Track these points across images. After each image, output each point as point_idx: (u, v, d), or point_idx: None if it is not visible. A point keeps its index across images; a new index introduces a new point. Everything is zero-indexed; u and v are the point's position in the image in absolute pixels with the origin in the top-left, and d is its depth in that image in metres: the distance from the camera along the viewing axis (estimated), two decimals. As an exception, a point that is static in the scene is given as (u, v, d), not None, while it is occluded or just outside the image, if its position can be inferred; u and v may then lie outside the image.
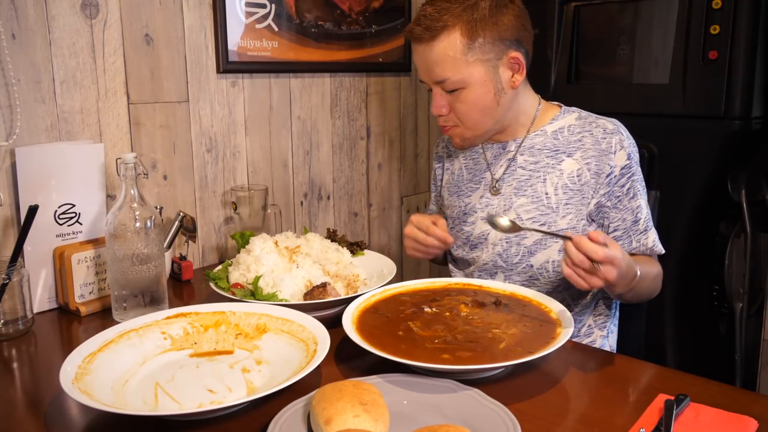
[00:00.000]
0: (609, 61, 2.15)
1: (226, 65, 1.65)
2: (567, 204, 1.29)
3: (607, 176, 1.27)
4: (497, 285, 1.22)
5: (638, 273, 1.12)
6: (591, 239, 1.01)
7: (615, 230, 1.28)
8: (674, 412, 0.83)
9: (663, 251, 1.30)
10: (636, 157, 1.30)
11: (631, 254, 1.26)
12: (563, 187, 1.29)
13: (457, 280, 1.27)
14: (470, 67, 1.25)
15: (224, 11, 1.62)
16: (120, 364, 0.98)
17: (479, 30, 1.23)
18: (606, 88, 2.13)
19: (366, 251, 1.50)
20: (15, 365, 1.11)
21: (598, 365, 1.06)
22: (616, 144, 1.27)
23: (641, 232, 1.27)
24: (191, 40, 1.59)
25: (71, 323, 1.27)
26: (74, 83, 1.39)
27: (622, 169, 1.27)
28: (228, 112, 1.69)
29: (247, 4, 1.67)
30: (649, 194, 1.55)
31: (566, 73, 2.19)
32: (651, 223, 1.30)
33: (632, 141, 1.31)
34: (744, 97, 1.84)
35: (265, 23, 1.72)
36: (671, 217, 1.94)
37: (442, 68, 1.25)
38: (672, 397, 0.86)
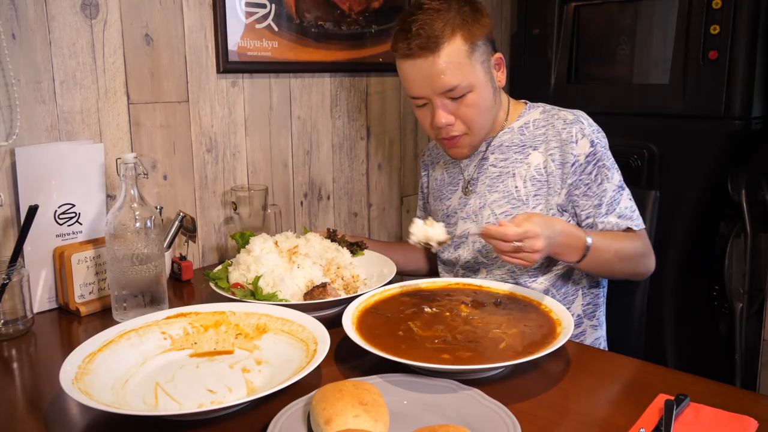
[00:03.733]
0: (609, 61, 2.15)
1: (226, 65, 1.65)
2: (536, 195, 1.33)
3: (572, 165, 1.30)
4: (497, 285, 1.22)
5: (588, 242, 1.18)
6: (500, 225, 1.08)
7: (587, 217, 1.31)
8: (674, 412, 0.83)
9: (635, 227, 1.29)
10: (602, 142, 1.32)
11: None
12: (531, 179, 1.33)
13: (457, 280, 1.27)
14: (474, 69, 1.28)
15: (224, 11, 1.62)
16: (120, 364, 0.98)
17: (475, 32, 1.27)
18: (606, 88, 2.13)
19: (366, 251, 1.50)
20: (15, 365, 1.11)
21: (598, 365, 1.05)
22: (576, 133, 1.30)
23: (603, 215, 1.29)
24: (191, 40, 1.59)
25: (71, 323, 1.27)
26: (74, 83, 1.39)
27: (587, 156, 1.30)
28: (228, 112, 1.69)
29: (247, 4, 1.67)
30: (649, 194, 1.55)
31: (566, 73, 2.19)
32: (617, 204, 1.30)
33: (595, 128, 1.33)
34: (744, 97, 1.84)
35: (265, 23, 1.72)
36: (671, 217, 1.94)
37: (451, 76, 1.25)
38: (672, 397, 0.86)
